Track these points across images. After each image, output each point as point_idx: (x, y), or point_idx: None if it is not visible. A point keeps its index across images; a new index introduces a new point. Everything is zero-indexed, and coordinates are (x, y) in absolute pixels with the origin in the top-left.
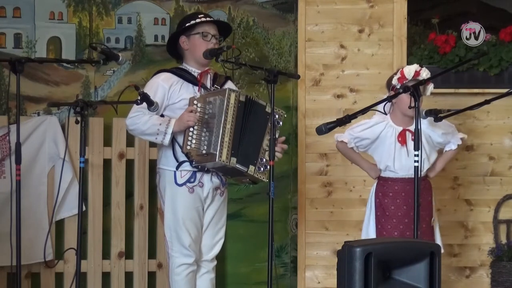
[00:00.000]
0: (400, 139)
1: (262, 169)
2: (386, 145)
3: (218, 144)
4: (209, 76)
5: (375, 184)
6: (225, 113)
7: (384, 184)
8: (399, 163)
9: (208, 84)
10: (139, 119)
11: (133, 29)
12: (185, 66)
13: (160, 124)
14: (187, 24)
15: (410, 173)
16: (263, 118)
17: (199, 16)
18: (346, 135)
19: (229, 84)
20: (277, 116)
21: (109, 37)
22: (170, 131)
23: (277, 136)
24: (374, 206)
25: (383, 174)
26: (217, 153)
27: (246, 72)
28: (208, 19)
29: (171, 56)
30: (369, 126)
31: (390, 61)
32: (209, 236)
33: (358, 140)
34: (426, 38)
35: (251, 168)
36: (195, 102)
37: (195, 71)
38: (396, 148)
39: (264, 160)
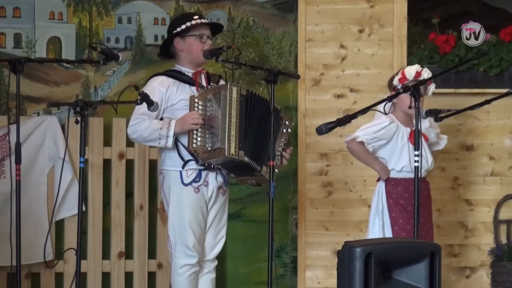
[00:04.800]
0: (411, 140)
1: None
2: (399, 145)
3: (226, 138)
4: (203, 75)
5: (383, 185)
6: (229, 107)
7: (397, 185)
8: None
9: (204, 83)
10: (139, 126)
11: (133, 29)
12: (179, 67)
13: (161, 128)
14: (183, 26)
15: (422, 173)
16: (277, 122)
17: (194, 17)
18: (362, 135)
19: (222, 83)
20: (287, 122)
21: (109, 37)
22: (171, 133)
23: (286, 139)
24: (386, 207)
25: (395, 175)
26: (226, 147)
27: (246, 72)
28: (203, 21)
29: (163, 57)
30: (385, 126)
31: (390, 61)
32: (211, 235)
33: (375, 140)
34: (426, 38)
35: (264, 168)
36: (196, 100)
37: (189, 71)
38: (410, 149)
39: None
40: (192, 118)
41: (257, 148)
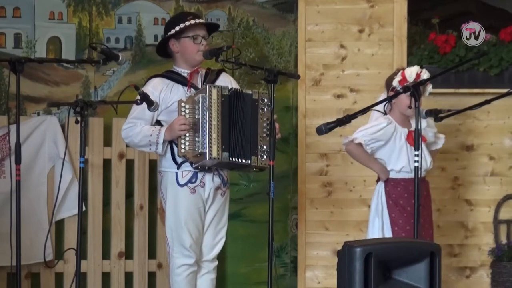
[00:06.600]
0: (409, 140)
1: (265, 156)
2: (398, 146)
3: (207, 142)
4: (199, 75)
5: (382, 186)
6: (209, 110)
7: (396, 185)
8: (413, 164)
9: (199, 83)
10: (131, 131)
11: (133, 29)
12: (175, 68)
13: (151, 135)
14: (177, 28)
15: (422, 173)
16: (253, 106)
17: (188, 18)
18: (361, 136)
19: (223, 77)
20: (266, 100)
21: (109, 37)
22: (161, 140)
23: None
24: (386, 208)
25: (394, 176)
26: (207, 151)
27: (246, 72)
28: (197, 21)
29: (160, 56)
30: (383, 127)
31: (390, 61)
32: (210, 236)
33: (374, 141)
34: (426, 38)
35: (254, 158)
36: (182, 104)
37: (185, 71)
38: (408, 149)
39: (265, 147)
40: (179, 124)
41: (246, 144)
